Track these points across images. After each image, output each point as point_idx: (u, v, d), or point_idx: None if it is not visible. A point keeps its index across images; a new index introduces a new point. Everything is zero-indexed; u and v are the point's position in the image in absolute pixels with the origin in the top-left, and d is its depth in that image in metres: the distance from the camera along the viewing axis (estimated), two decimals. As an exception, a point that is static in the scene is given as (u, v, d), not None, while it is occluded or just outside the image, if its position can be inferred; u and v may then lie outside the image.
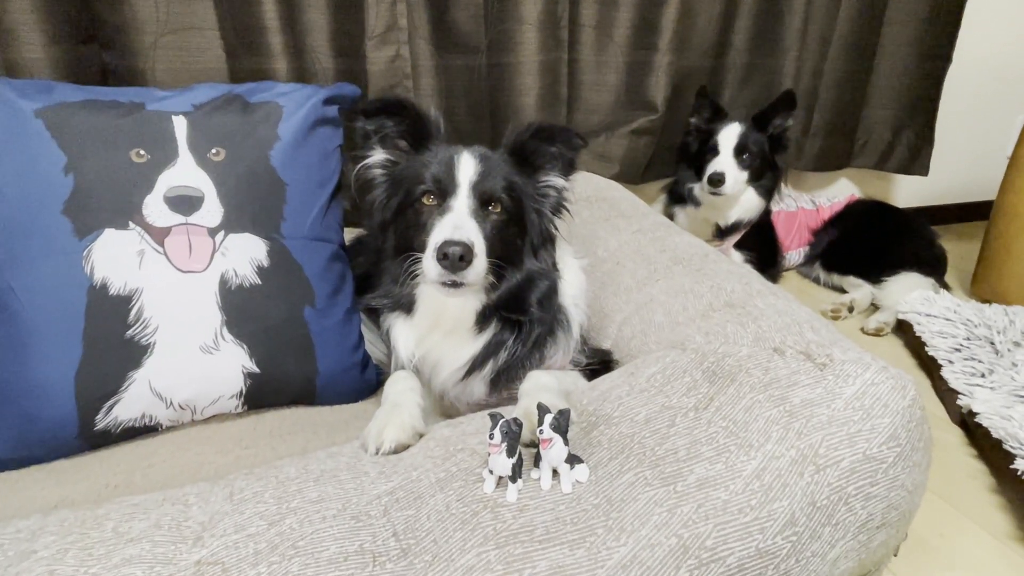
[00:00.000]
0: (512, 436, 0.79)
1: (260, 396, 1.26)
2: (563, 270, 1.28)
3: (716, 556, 0.78)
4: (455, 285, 1.02)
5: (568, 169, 1.22)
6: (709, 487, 0.83)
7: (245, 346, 1.21)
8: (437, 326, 1.17)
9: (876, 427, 0.89)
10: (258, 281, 1.22)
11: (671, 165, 2.62)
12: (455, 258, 0.97)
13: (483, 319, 1.15)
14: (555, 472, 0.84)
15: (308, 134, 1.30)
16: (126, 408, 1.14)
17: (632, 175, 2.32)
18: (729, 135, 2.36)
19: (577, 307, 1.27)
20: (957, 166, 3.32)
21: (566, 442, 0.81)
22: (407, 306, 1.18)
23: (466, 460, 0.89)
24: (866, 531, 0.87)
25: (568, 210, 1.26)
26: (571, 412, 0.82)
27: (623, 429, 0.93)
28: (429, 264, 1.02)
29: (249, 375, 1.22)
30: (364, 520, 0.80)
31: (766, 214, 2.48)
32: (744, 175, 2.36)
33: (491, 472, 0.82)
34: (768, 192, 2.46)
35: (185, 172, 1.16)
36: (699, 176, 2.43)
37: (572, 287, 1.28)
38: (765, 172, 2.43)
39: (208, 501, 0.86)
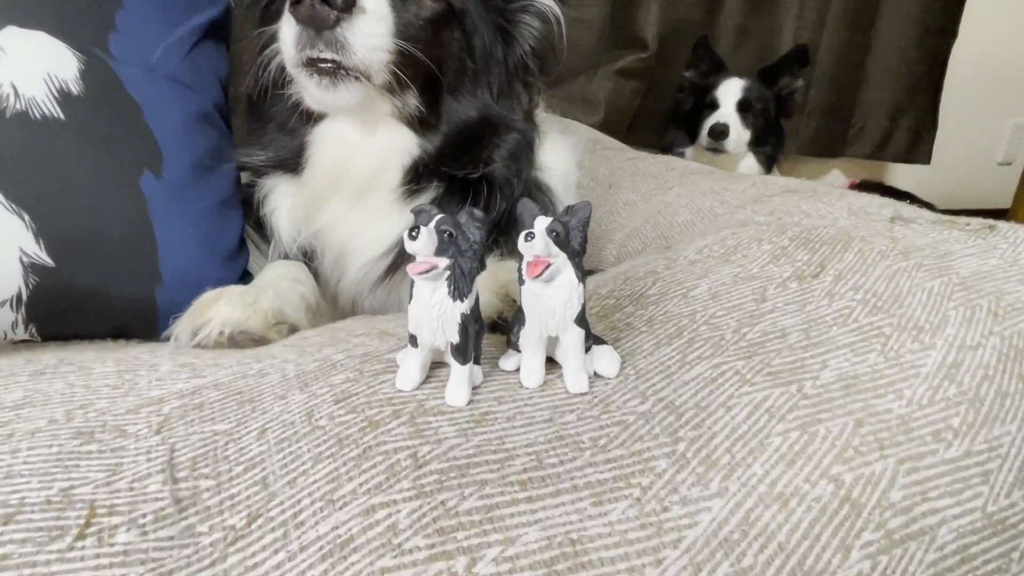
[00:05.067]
0: (462, 244, 0.35)
1: (56, 311, 0.77)
2: (546, 143, 0.86)
3: (915, 526, 0.35)
4: (329, 72, 0.59)
5: None
6: (865, 391, 0.40)
7: (27, 218, 0.72)
8: (340, 185, 0.72)
9: (1113, 315, 0.49)
10: (58, 114, 0.75)
11: (657, 133, 2.27)
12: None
13: (415, 178, 0.71)
14: (550, 360, 0.40)
15: (170, -76, 0.86)
16: None
17: (618, 124, 1.94)
18: (731, 89, 2.02)
19: (567, 190, 0.84)
20: (946, 172, 3.10)
21: (580, 274, 0.37)
22: (294, 159, 0.73)
23: (368, 343, 0.44)
24: None
25: (555, 52, 0.84)
26: (590, 210, 0.37)
27: (671, 307, 0.50)
28: (284, 30, 0.59)
29: (33, 268, 0.74)
30: (105, 440, 0.34)
31: (765, 190, 2.15)
32: (747, 134, 2.02)
33: (415, 345, 0.37)
34: (769, 161, 2.13)
35: (-67, -85, 0.70)
36: (692, 138, 2.08)
37: (560, 161, 0.85)
38: (768, 137, 2.10)
39: None
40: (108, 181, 0.78)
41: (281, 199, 0.74)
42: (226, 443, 0.34)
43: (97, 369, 0.41)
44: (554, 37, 0.83)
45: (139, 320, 0.82)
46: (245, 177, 0.93)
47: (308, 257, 0.76)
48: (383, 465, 0.32)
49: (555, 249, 0.35)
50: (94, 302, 0.79)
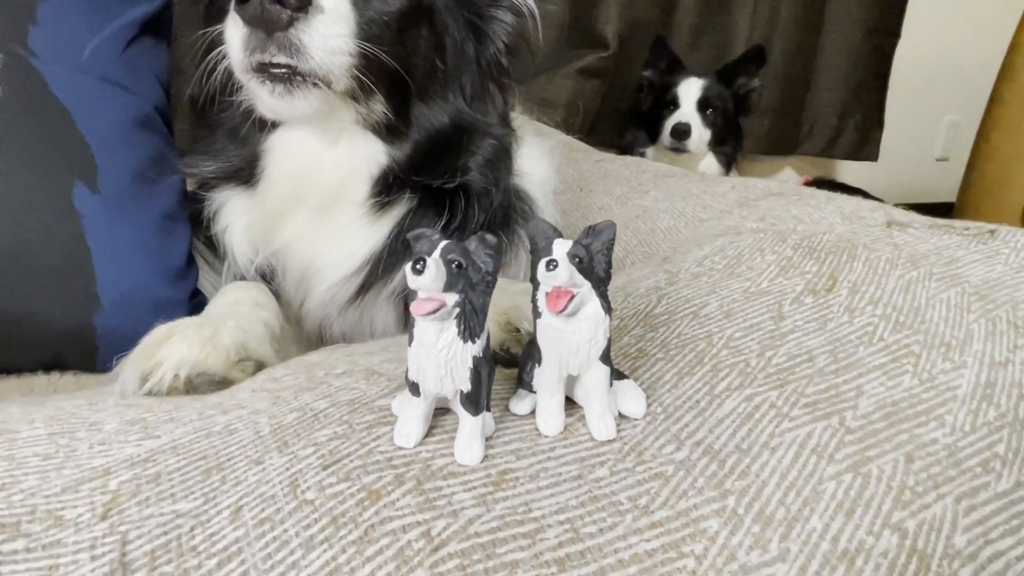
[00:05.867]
0: (472, 276, 0.30)
1: (-23, 344, 0.68)
2: (522, 147, 0.81)
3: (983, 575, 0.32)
4: (283, 79, 0.53)
5: None
6: (907, 420, 0.37)
7: (-65, 241, 0.64)
8: (301, 199, 0.65)
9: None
10: (-30, 121, 0.66)
11: (618, 133, 2.26)
12: None
13: (385, 189, 0.65)
14: (567, 398, 0.35)
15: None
16: None
17: (579, 126, 1.92)
18: (691, 88, 2.02)
19: (547, 198, 0.80)
20: (889, 168, 3.20)
21: (606, 305, 0.32)
22: (248, 169, 0.66)
23: (354, 386, 0.38)
24: None
25: (531, 50, 0.79)
26: (614, 231, 0.33)
27: (684, 329, 0.46)
28: (231, 31, 0.53)
29: (-55, 299, 0.65)
30: (34, 533, 0.27)
31: (724, 189, 2.16)
32: (708, 134, 2.02)
33: (416, 394, 0.32)
34: (728, 161, 2.14)
35: None
36: (652, 139, 2.07)
37: (538, 167, 0.81)
38: (727, 137, 2.11)
39: None
40: (34, 196, 0.69)
41: (235, 215, 0.67)
42: (192, 528, 0.27)
43: (24, 433, 0.33)
44: (528, 33, 0.78)
45: (75, 350, 0.74)
46: (190, 185, 0.85)
47: (267, 277, 0.69)
48: (391, 550, 0.26)
49: (579, 278, 0.30)
50: (22, 332, 0.71)
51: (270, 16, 0.49)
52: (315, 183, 0.66)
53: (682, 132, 1.88)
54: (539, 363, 0.33)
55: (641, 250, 0.82)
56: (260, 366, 0.47)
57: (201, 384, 0.42)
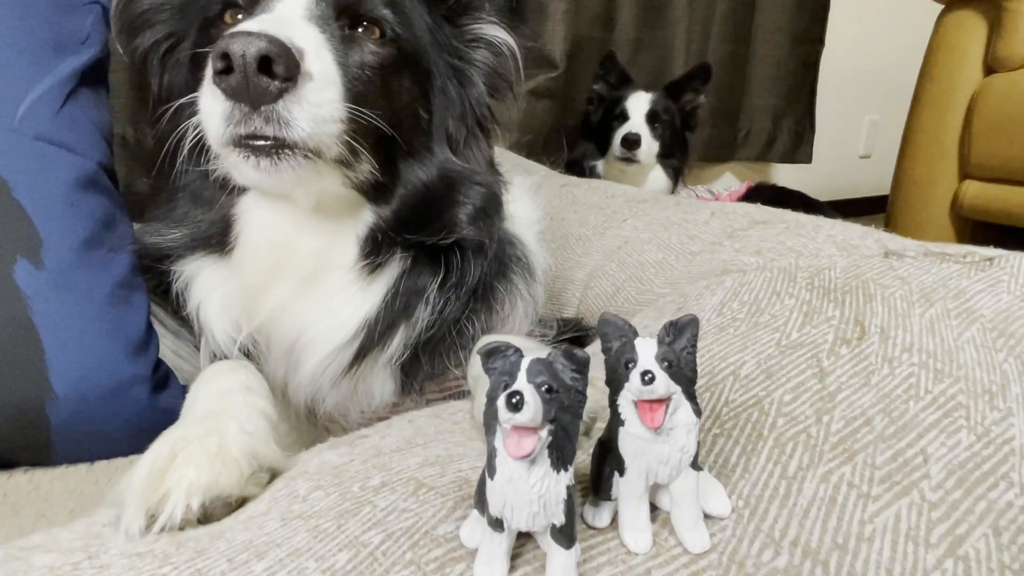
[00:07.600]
0: (564, 399, 0.26)
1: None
2: (509, 190, 0.78)
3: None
4: (269, 152, 0.48)
5: (515, 17, 0.73)
6: (978, 484, 0.36)
7: None
8: (283, 268, 0.60)
9: None
10: None
11: (566, 149, 2.26)
12: (251, 62, 0.43)
13: (375, 249, 0.61)
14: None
15: (24, -46, 0.70)
16: None
17: (532, 145, 1.91)
18: (640, 101, 2.06)
19: (537, 240, 0.77)
20: (818, 167, 3.36)
21: (696, 408, 0.30)
22: (219, 236, 0.61)
23: (403, 507, 0.33)
24: None
25: (513, 90, 0.76)
26: (698, 326, 0.30)
27: (728, 394, 0.44)
28: (208, 103, 0.48)
29: None
30: None
31: (671, 200, 2.20)
32: (656, 146, 2.06)
33: (499, 529, 0.28)
34: (676, 173, 2.19)
35: None
36: (602, 151, 2.09)
37: (525, 208, 0.78)
38: (674, 150, 2.16)
39: None
40: (-30, 280, 0.61)
41: (209, 288, 0.60)
42: None
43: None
44: (510, 73, 0.75)
45: (27, 445, 0.67)
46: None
47: (248, 352, 0.63)
48: None
49: (673, 385, 0.28)
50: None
51: (257, 89, 0.44)
52: (297, 249, 0.60)
53: (632, 142, 1.91)
54: (620, 473, 0.30)
55: (633, 286, 0.80)
56: (273, 472, 0.42)
57: (216, 509, 0.36)
